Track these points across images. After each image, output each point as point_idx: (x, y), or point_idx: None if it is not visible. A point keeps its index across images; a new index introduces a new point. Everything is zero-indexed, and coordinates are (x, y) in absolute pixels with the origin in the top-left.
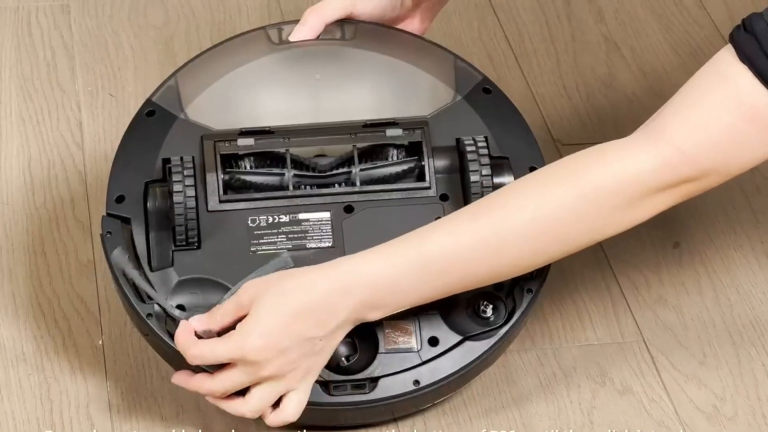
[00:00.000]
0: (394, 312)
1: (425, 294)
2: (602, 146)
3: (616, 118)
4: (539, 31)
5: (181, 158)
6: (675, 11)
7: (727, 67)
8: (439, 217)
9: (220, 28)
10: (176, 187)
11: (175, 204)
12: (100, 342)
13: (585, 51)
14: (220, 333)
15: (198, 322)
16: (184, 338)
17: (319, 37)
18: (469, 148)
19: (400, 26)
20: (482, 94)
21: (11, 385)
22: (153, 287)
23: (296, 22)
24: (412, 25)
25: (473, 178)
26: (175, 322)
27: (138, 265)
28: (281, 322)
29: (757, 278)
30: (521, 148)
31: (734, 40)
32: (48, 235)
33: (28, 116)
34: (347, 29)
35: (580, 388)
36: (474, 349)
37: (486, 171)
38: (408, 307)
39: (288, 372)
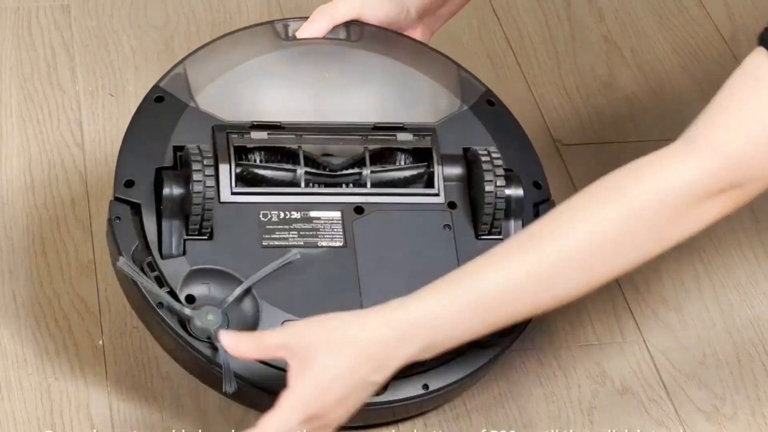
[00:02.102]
0: (450, 348)
1: (482, 330)
2: (641, 160)
3: (616, 118)
4: (539, 31)
5: (199, 147)
6: (675, 11)
7: (758, 69)
8: (447, 225)
9: (220, 28)
10: (196, 177)
11: (194, 193)
12: (100, 342)
13: (585, 51)
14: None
15: (231, 340)
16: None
17: (325, 36)
18: (483, 158)
19: None
20: (486, 106)
21: (11, 384)
22: (162, 283)
23: (303, 18)
24: (414, 36)
25: (488, 188)
26: (189, 321)
27: (148, 253)
28: (339, 375)
29: (757, 278)
30: (524, 163)
31: (765, 41)
32: (48, 235)
33: (28, 116)
34: (353, 31)
35: (580, 388)
36: (481, 355)
37: (500, 182)
38: (463, 342)
39: (342, 417)
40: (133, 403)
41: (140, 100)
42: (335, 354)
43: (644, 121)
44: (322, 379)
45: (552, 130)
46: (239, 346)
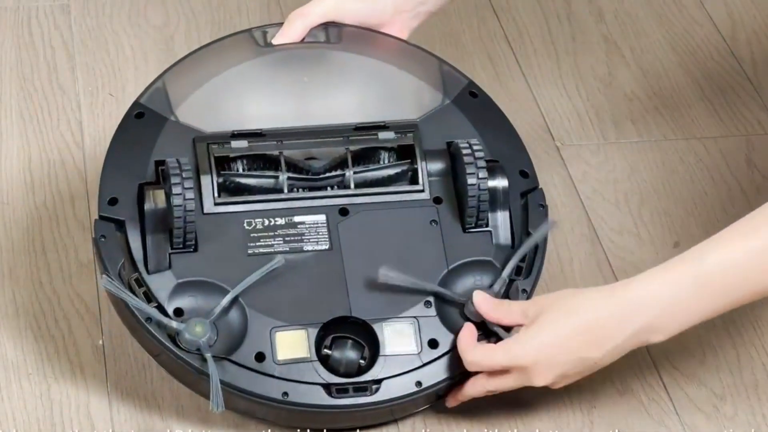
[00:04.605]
0: (677, 333)
1: (707, 313)
2: None
3: (616, 118)
4: (539, 31)
5: (178, 160)
6: (675, 11)
7: None
8: (434, 220)
9: (220, 28)
10: (175, 190)
11: (174, 207)
12: (100, 342)
13: (585, 51)
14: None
15: (483, 301)
16: (466, 343)
17: (303, 40)
18: (464, 151)
19: None
20: (469, 98)
21: (11, 385)
22: (150, 298)
23: (281, 24)
24: (392, 32)
25: (470, 181)
26: (177, 334)
27: (134, 269)
28: (558, 336)
29: None
30: (510, 153)
31: None
32: (48, 234)
33: (28, 116)
34: (332, 32)
35: (580, 388)
36: None
37: (483, 174)
38: (690, 326)
39: (554, 384)
40: (133, 403)
41: None
42: (556, 319)
43: (644, 121)
44: (542, 339)
45: (552, 130)
46: (490, 312)
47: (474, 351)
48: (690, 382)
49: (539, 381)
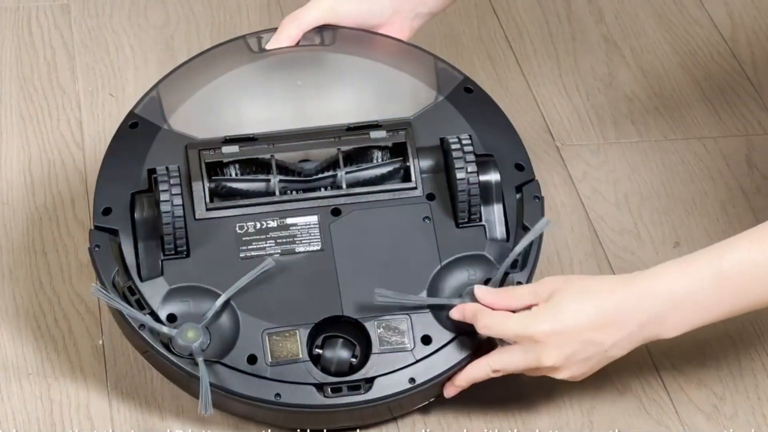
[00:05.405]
0: (689, 330)
1: (722, 312)
2: None
3: (616, 118)
4: (539, 31)
5: (167, 168)
6: (675, 11)
7: None
8: (427, 217)
9: (220, 28)
10: (163, 197)
11: (162, 213)
12: (100, 342)
13: (585, 51)
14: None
15: (485, 293)
16: (477, 306)
17: (298, 43)
18: (453, 146)
19: None
20: (464, 94)
21: (11, 385)
22: (143, 305)
23: (275, 30)
24: (391, 32)
25: (459, 175)
26: (170, 340)
27: (128, 277)
28: (575, 314)
29: None
30: (505, 146)
31: None
32: (48, 234)
33: (28, 116)
34: (326, 35)
35: (581, 387)
36: (467, 344)
37: (472, 168)
38: (703, 325)
39: (562, 368)
40: (133, 403)
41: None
42: (579, 301)
43: (644, 121)
44: (559, 314)
45: (552, 130)
46: (496, 301)
47: (489, 315)
48: (690, 382)
49: (548, 359)
